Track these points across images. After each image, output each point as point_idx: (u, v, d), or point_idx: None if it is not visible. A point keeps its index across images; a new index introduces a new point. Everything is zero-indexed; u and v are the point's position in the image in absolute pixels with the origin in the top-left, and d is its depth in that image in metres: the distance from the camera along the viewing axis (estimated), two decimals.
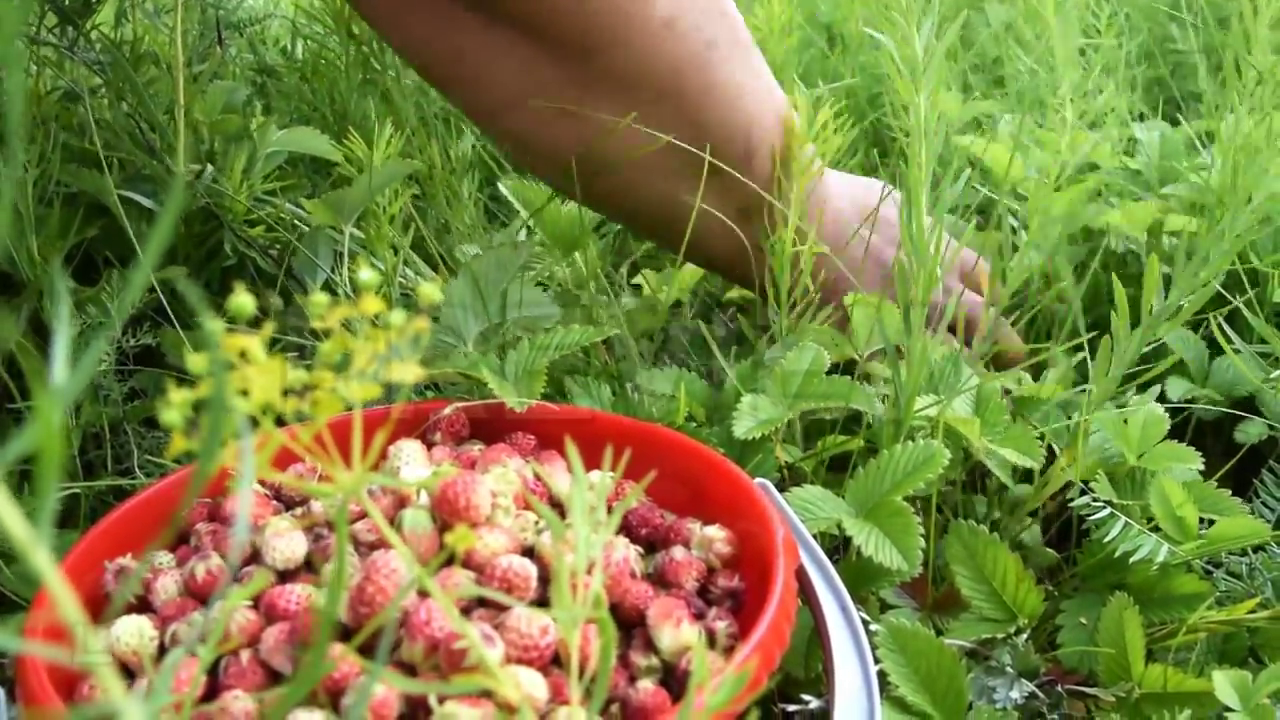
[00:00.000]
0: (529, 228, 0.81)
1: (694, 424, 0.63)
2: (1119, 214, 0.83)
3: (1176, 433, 0.64)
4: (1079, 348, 0.65)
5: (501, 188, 0.83)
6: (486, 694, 0.39)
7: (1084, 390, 0.62)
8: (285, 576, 0.46)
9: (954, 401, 0.61)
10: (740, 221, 0.70)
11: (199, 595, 0.46)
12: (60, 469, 0.19)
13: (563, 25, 0.60)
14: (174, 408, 0.27)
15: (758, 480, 0.53)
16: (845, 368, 0.68)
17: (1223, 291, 0.79)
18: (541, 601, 0.43)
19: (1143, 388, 0.67)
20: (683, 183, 0.67)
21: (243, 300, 0.29)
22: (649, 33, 0.61)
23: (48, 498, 0.19)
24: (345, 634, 0.42)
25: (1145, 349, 0.63)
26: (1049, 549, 0.65)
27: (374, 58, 0.86)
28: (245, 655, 0.42)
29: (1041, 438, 0.62)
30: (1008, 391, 0.66)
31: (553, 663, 0.41)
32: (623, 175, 0.66)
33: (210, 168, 0.85)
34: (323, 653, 0.33)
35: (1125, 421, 0.62)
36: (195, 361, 0.27)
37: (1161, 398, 0.70)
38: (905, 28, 0.57)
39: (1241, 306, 0.75)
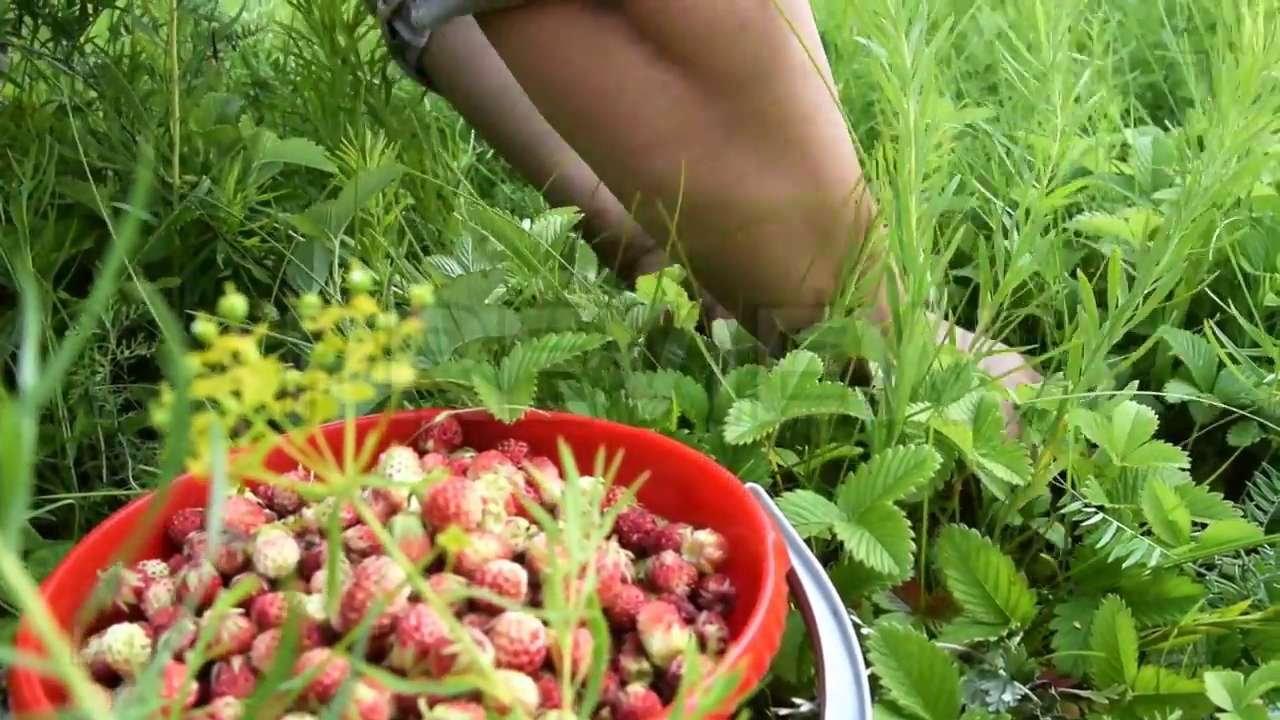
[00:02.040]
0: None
1: (686, 430, 0.63)
2: (1105, 220, 0.84)
3: (1177, 437, 0.64)
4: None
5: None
6: (476, 698, 0.39)
7: (1064, 387, 0.63)
8: (277, 584, 0.46)
9: (953, 408, 0.61)
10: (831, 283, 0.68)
11: None
12: (29, 472, 0.19)
13: (719, 54, 0.60)
14: (165, 409, 0.27)
15: (749, 485, 0.53)
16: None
17: (1215, 298, 0.79)
18: (532, 607, 0.44)
19: (1120, 383, 0.67)
20: (799, 240, 0.66)
21: (233, 301, 0.29)
22: (792, 75, 0.62)
23: (13, 505, 0.19)
24: (336, 640, 0.42)
25: (1136, 352, 0.63)
26: (1045, 556, 0.65)
27: (360, 70, 0.86)
28: (237, 662, 0.42)
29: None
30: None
31: (543, 668, 0.41)
32: (746, 227, 0.65)
33: (205, 179, 0.85)
34: (291, 653, 0.33)
35: (1110, 420, 0.62)
36: (189, 362, 0.27)
37: (1160, 401, 0.70)
38: (894, 34, 0.57)
39: (1235, 312, 0.75)
